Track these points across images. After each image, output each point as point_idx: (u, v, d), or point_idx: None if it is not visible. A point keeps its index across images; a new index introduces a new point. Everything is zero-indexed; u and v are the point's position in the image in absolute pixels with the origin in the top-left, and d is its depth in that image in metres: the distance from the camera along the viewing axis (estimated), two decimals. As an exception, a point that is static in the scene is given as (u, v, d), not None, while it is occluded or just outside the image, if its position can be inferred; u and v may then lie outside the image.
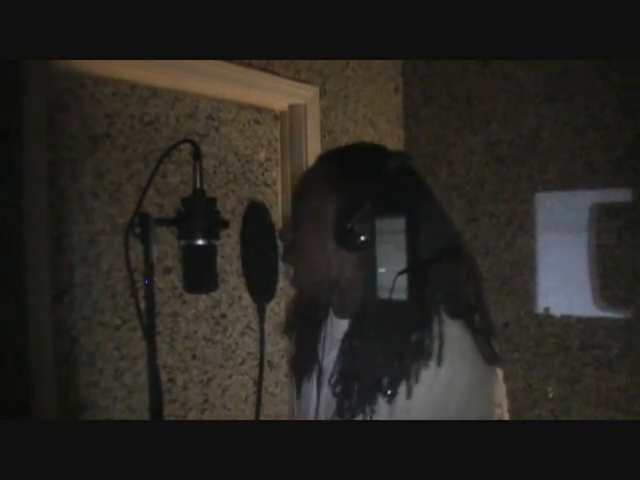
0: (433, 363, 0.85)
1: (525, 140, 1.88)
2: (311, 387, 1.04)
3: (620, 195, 1.70)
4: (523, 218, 1.89)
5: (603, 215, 1.73)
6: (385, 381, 0.86)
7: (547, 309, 1.84)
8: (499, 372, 0.91)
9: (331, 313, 1.03)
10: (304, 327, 1.09)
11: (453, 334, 0.87)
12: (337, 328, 0.99)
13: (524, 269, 1.88)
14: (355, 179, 0.91)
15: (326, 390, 0.96)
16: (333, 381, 0.94)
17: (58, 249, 1.25)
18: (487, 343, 0.90)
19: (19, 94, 1.11)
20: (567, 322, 1.79)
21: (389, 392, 0.85)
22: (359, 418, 0.88)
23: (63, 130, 1.27)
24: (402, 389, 0.85)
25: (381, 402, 0.87)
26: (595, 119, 1.74)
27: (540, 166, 1.85)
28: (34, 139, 1.14)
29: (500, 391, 0.90)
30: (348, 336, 0.94)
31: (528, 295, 1.87)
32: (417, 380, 0.84)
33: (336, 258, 0.93)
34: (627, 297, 1.69)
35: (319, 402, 0.99)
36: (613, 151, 1.71)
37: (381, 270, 0.87)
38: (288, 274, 1.00)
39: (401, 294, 0.83)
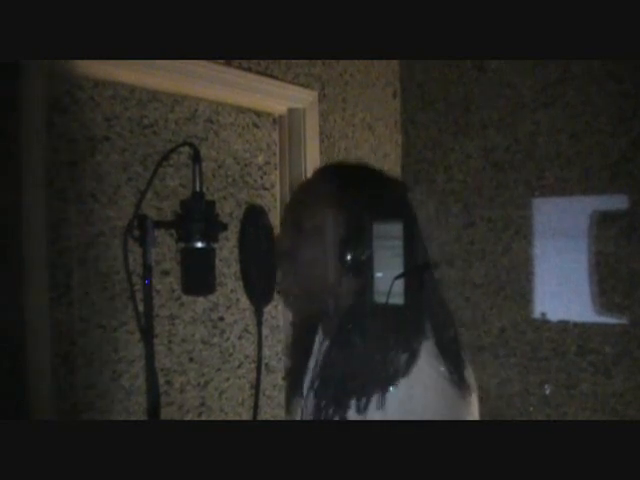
0: (405, 381, 0.86)
1: (522, 146, 1.89)
2: (298, 402, 1.05)
3: (616, 201, 1.70)
4: (520, 223, 1.89)
5: (600, 221, 1.74)
6: (357, 389, 0.88)
7: (544, 314, 1.85)
8: (472, 400, 0.91)
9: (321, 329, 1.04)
10: (298, 344, 1.11)
11: (427, 354, 0.88)
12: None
13: (521, 274, 1.88)
14: (360, 205, 0.95)
15: (310, 402, 0.98)
16: (315, 386, 0.96)
17: (56, 251, 1.25)
18: (460, 371, 0.91)
19: (18, 96, 1.12)
20: (564, 327, 1.80)
21: (360, 401, 0.87)
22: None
23: (62, 132, 1.28)
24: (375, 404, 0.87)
25: (353, 412, 0.88)
26: (591, 125, 1.76)
27: (537, 172, 1.86)
28: (33, 141, 1.14)
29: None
30: (331, 345, 0.97)
31: (525, 300, 1.88)
32: (385, 392, 0.86)
33: (336, 275, 0.95)
34: (624, 303, 1.69)
35: (304, 414, 1.00)
36: (609, 157, 1.72)
37: (377, 274, 0.90)
38: (281, 282, 1.02)
39: (394, 301, 0.87)
